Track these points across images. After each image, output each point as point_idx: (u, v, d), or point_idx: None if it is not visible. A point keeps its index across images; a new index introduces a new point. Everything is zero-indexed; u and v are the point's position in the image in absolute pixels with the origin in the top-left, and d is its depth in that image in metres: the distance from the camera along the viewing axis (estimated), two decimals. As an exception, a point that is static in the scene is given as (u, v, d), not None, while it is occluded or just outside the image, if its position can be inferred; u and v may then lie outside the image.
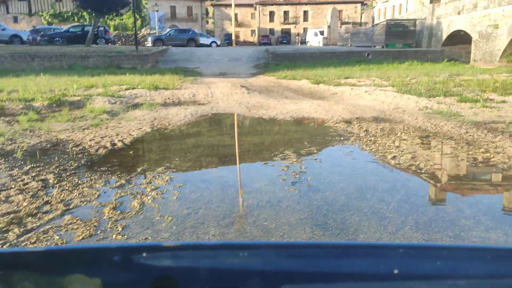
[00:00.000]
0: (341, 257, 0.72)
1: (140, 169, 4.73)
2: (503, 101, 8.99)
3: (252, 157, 5.45)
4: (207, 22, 78.81)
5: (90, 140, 6.05)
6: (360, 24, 36.73)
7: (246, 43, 65.17)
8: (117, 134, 6.45)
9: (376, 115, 7.85)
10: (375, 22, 39.08)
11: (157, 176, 4.40)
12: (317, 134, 6.74)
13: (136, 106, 9.76)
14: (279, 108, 8.92)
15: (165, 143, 6.19)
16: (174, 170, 4.67)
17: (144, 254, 0.70)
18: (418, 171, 4.57)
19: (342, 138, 6.17)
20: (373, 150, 5.48)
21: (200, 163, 5.07)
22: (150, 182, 4.21)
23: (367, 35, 29.89)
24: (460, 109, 8.24)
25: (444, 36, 25.15)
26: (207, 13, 76.48)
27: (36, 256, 0.73)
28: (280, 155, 5.27)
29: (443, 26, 25.43)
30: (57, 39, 26.84)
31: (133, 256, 0.71)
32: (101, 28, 26.19)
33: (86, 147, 5.66)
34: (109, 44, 27.87)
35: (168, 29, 34.63)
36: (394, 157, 5.08)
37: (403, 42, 27.25)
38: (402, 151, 5.33)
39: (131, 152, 5.61)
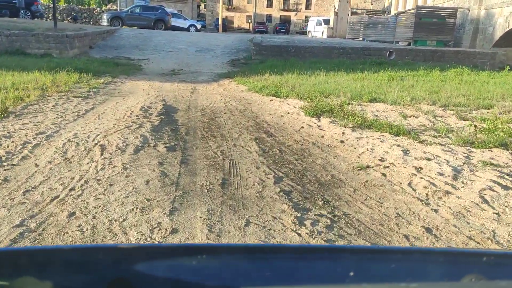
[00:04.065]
0: (299, 260, 0.71)
1: None
2: None
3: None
4: (204, 5, 70.94)
5: None
6: (376, 12, 29.36)
7: (240, 30, 57.70)
8: None
9: None
10: (393, 12, 31.70)
11: None
12: None
13: None
14: None
15: None
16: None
17: (99, 256, 0.68)
18: None
19: None
20: None
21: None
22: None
23: (387, 27, 22.52)
24: None
25: (499, 34, 17.92)
26: (203, -5, 68.50)
27: None
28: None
29: (497, 19, 18.18)
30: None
31: (87, 258, 0.67)
32: (21, -4, 18.60)
33: None
34: (38, 19, 20.39)
35: (131, 6, 27.11)
36: None
37: (437, 39, 19.96)
38: None
39: None
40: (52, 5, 25.28)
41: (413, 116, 6.56)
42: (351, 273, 0.66)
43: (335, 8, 28.08)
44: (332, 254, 0.73)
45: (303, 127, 6.08)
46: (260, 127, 6.14)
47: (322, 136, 5.56)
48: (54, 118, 5.65)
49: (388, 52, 17.77)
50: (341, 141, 5.26)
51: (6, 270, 0.64)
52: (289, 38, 23.47)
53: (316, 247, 1.07)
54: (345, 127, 5.86)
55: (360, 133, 5.56)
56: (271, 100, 8.22)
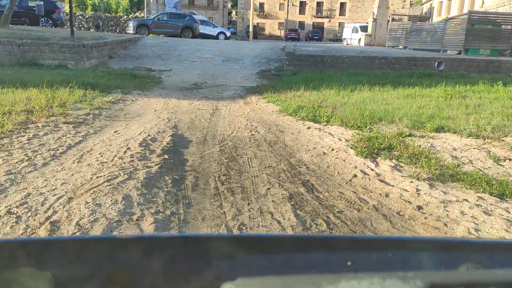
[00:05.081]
0: (297, 250, 0.71)
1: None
2: None
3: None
4: (235, 12, 70.03)
5: None
6: (419, 18, 27.18)
7: (271, 37, 56.34)
8: None
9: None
10: (435, 18, 29.51)
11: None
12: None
13: None
14: None
15: None
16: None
17: (98, 247, 0.67)
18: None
19: None
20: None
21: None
22: None
23: (433, 34, 20.46)
24: None
25: None
26: (236, 4, 67.54)
27: None
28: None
29: None
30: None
31: (86, 249, 0.67)
32: (39, 2, 17.58)
33: None
34: (59, 27, 19.43)
35: (158, 13, 26.01)
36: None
37: (491, 48, 17.81)
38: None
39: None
40: (75, 12, 24.47)
41: (508, 159, 4.75)
42: (348, 263, 0.66)
43: (373, 14, 26.16)
44: (329, 244, 0.72)
45: (355, 176, 4.38)
46: (296, 172, 4.48)
47: (387, 195, 3.84)
48: (16, 163, 4.16)
49: (437, 63, 15.81)
50: (419, 207, 3.53)
51: (4, 260, 0.64)
52: (325, 46, 21.73)
53: (313, 237, 1.06)
54: (417, 179, 4.12)
55: (444, 192, 3.81)
56: (309, 128, 6.56)
